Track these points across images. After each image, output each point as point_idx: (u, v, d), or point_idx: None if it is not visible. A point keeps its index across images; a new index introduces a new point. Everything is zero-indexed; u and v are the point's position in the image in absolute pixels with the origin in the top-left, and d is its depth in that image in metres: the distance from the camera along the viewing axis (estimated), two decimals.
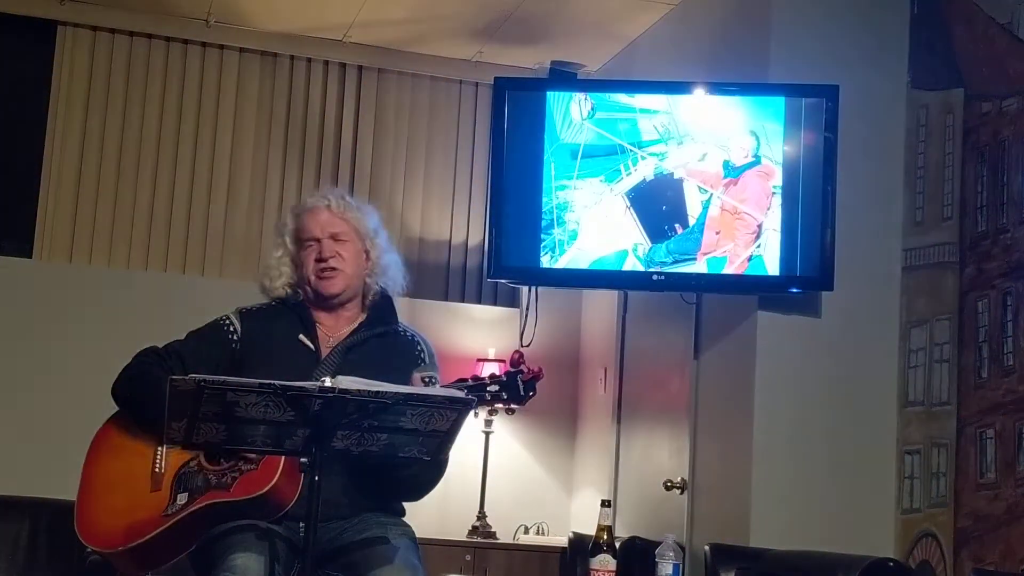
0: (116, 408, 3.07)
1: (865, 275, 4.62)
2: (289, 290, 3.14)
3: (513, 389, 2.84)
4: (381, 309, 3.16)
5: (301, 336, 3.06)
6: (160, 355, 3.04)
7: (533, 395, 2.86)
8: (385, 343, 3.11)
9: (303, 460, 2.70)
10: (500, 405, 2.89)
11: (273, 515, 2.84)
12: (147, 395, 2.91)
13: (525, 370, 2.86)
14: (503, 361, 5.77)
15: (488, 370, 5.73)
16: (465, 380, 2.86)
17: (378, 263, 3.17)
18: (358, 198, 3.27)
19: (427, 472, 2.94)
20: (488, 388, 2.82)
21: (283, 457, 2.80)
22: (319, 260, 3.08)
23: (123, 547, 2.86)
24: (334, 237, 3.11)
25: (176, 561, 2.98)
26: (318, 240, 3.10)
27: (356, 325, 3.13)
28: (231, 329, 3.08)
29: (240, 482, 2.83)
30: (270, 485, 2.79)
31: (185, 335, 3.11)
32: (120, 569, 2.99)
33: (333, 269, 3.08)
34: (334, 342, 3.08)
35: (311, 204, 3.17)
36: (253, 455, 2.83)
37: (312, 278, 3.09)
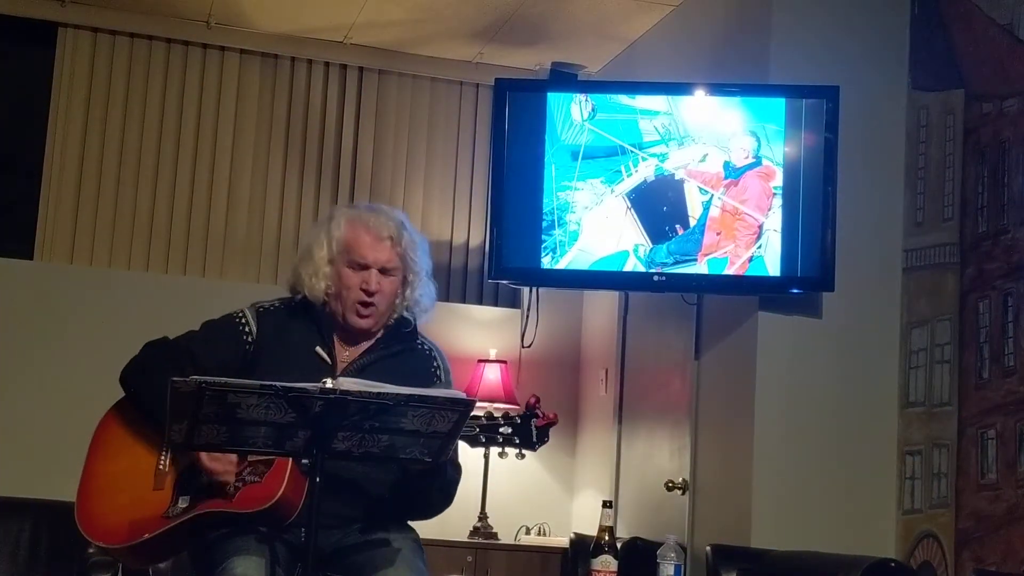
0: (119, 396, 3.03)
1: (866, 276, 4.62)
2: (326, 298, 3.02)
3: (526, 434, 2.82)
4: (399, 327, 3.09)
5: (318, 348, 3.00)
6: (171, 349, 2.98)
7: (546, 441, 2.85)
8: (401, 361, 3.04)
9: (304, 461, 2.70)
10: (510, 448, 2.87)
11: (274, 527, 2.82)
12: (153, 390, 2.87)
13: (540, 415, 2.84)
14: (504, 362, 5.77)
15: (489, 371, 5.73)
16: (478, 419, 2.84)
17: (412, 297, 3.08)
18: (414, 227, 3.15)
19: (440, 496, 2.94)
20: (500, 430, 2.81)
21: (288, 471, 2.77)
22: (365, 291, 2.99)
23: (122, 544, 2.85)
24: (384, 271, 3.02)
25: (178, 557, 2.99)
26: (367, 268, 3.01)
27: (373, 342, 3.06)
28: (247, 330, 3.00)
29: (243, 494, 2.80)
30: (272, 502, 2.76)
31: (200, 326, 3.04)
32: (121, 561, 2.99)
33: (372, 306, 3.00)
34: (350, 357, 3.02)
35: (373, 225, 3.03)
36: (258, 465, 2.81)
37: (349, 306, 3.00)
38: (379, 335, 3.08)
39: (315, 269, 3.03)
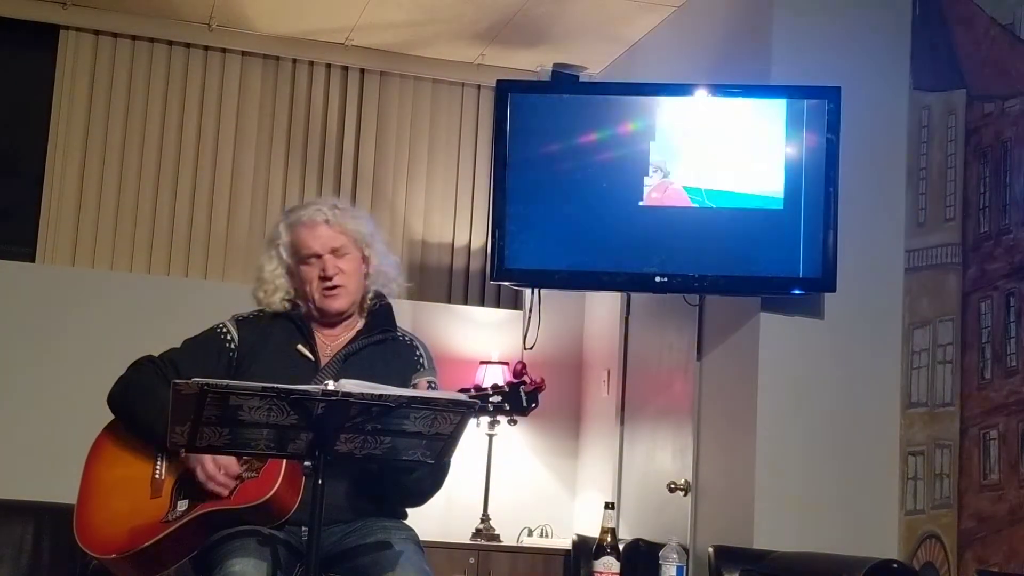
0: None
1: (868, 276, 4.62)
2: (288, 304, 3.10)
3: (515, 400, 2.82)
4: (380, 316, 3.14)
5: (299, 346, 3.04)
6: (156, 364, 3.03)
7: (535, 407, 2.85)
8: (384, 349, 3.09)
9: (307, 464, 2.70)
10: (502, 416, 2.88)
11: (274, 522, 2.84)
12: (142, 405, 2.92)
13: (528, 381, 2.85)
14: (506, 364, 5.77)
15: (491, 373, 5.73)
16: (467, 389, 2.84)
17: (377, 268, 3.13)
18: (349, 203, 3.22)
19: (431, 477, 2.94)
20: (490, 399, 2.81)
21: (284, 465, 2.79)
22: (323, 278, 3.04)
23: (122, 553, 2.86)
24: (335, 252, 3.06)
25: (178, 565, 2.99)
26: (319, 256, 3.06)
27: (354, 333, 3.11)
28: (228, 338, 3.06)
29: (240, 490, 2.82)
30: (270, 494, 2.78)
31: (181, 343, 3.09)
32: (123, 573, 2.99)
33: (337, 287, 3.05)
34: (332, 351, 3.06)
35: (307, 217, 3.09)
36: (254, 461, 2.82)
37: (316, 296, 3.05)
38: (359, 326, 3.11)
39: (269, 285, 3.10)
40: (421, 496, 3.02)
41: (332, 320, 3.10)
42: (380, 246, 3.16)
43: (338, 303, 3.06)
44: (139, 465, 2.93)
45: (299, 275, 3.07)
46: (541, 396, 2.85)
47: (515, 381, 2.83)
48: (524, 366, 2.90)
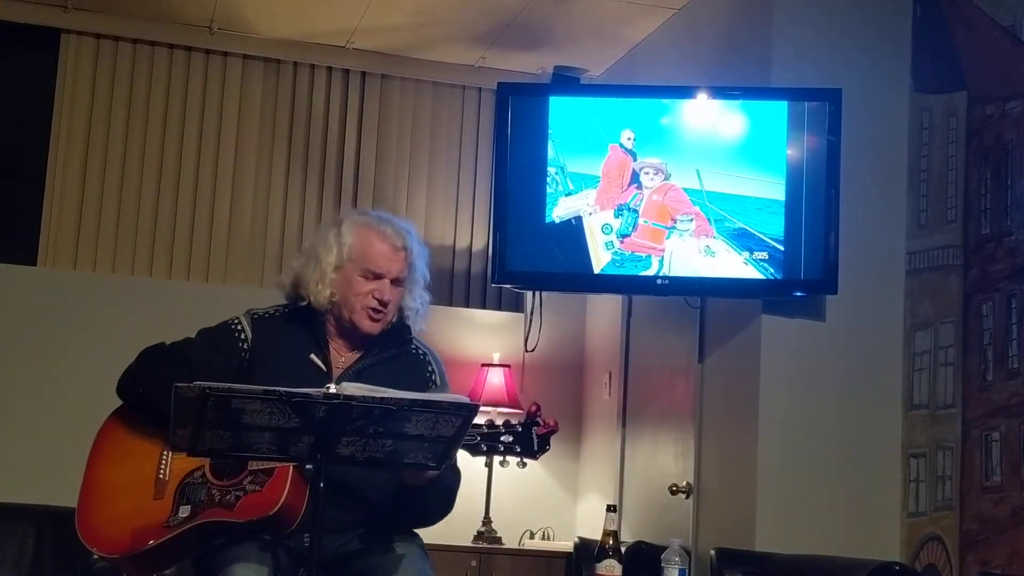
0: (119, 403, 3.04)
1: (869, 278, 4.62)
2: (330, 305, 3.03)
3: (527, 443, 2.82)
4: (395, 331, 3.10)
5: (312, 356, 3.00)
6: (168, 354, 3.00)
7: (547, 450, 2.84)
8: (396, 364, 3.05)
9: (308, 467, 2.70)
10: (511, 457, 2.87)
11: (276, 534, 2.82)
12: (152, 395, 2.89)
13: (541, 423, 2.83)
14: (508, 366, 5.77)
15: (492, 375, 5.72)
16: (479, 427, 2.83)
17: (410, 305, 3.09)
18: (418, 235, 3.16)
19: (441, 500, 2.94)
20: (502, 438, 2.80)
21: (288, 479, 2.77)
22: (377, 299, 3.00)
23: (123, 554, 2.85)
24: (395, 281, 3.03)
25: (180, 564, 2.99)
26: (382, 278, 3.01)
27: (368, 347, 3.07)
28: (242, 336, 3.01)
29: (243, 503, 2.80)
30: (274, 510, 2.75)
31: (196, 333, 3.05)
32: (124, 570, 2.99)
33: (383, 313, 3.01)
34: (345, 363, 3.03)
35: (391, 234, 3.04)
36: (259, 474, 2.81)
37: (358, 311, 3.00)
38: (374, 339, 3.07)
39: (321, 275, 3.02)
40: (430, 517, 3.00)
41: (356, 337, 3.06)
42: (422, 286, 3.11)
43: (377, 327, 3.02)
44: (143, 464, 2.92)
45: (350, 281, 3.01)
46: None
47: (528, 422, 2.82)
48: (538, 408, 2.87)
